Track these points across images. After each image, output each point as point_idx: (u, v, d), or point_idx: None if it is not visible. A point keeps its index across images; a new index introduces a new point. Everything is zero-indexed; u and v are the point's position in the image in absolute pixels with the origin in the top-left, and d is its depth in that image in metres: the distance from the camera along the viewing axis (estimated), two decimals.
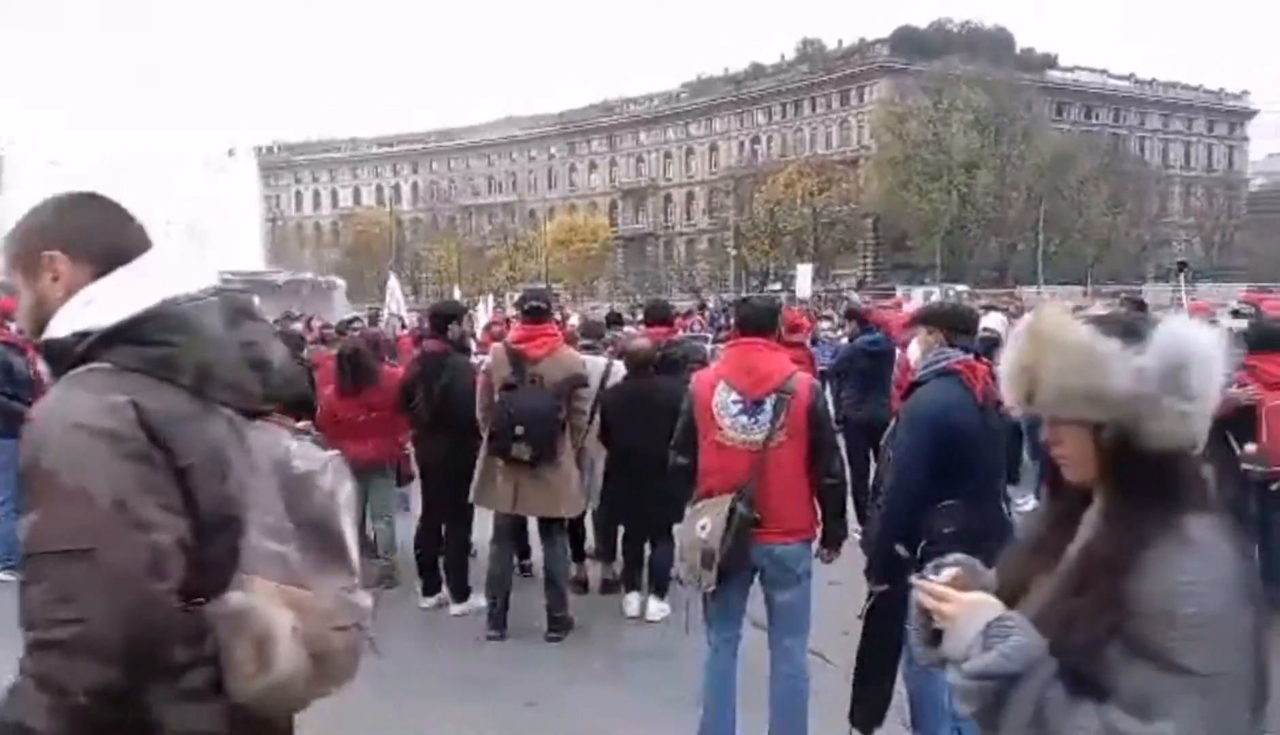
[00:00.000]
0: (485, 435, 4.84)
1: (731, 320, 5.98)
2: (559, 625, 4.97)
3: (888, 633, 3.34)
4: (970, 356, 3.47)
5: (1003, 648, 1.31)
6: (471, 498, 5.01)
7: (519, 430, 4.60)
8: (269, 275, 22.49)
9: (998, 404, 3.88)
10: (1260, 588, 1.35)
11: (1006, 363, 1.44)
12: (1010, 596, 1.44)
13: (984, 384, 3.44)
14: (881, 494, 3.45)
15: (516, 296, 13.98)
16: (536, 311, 5.06)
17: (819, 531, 3.53)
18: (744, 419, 3.34)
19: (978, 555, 3.41)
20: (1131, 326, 1.35)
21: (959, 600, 1.42)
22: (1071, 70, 69.22)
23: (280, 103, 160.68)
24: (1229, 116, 75.12)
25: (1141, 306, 8.65)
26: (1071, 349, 1.33)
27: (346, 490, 1.56)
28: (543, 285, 42.43)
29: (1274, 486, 4.86)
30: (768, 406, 3.33)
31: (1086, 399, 1.32)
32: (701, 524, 3.29)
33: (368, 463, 5.85)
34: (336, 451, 1.61)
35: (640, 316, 8.64)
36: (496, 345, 5.21)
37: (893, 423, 3.60)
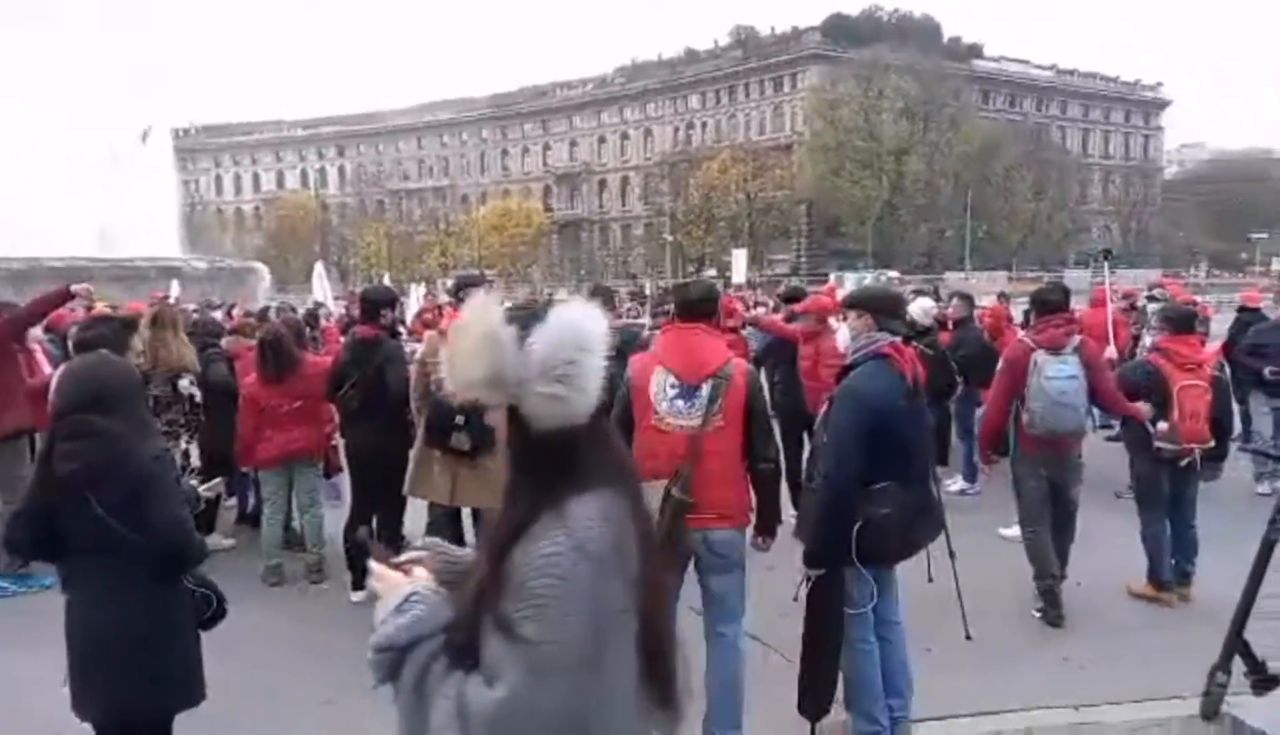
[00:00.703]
0: (421, 425, 4.72)
1: (666, 306, 5.97)
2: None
3: (828, 618, 3.39)
4: (899, 340, 3.52)
5: (399, 621, 1.38)
6: (406, 489, 4.90)
7: (459, 420, 4.51)
8: (187, 262, 21.72)
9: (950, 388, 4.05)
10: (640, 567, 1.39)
11: (443, 353, 1.50)
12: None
13: (912, 367, 3.50)
14: (816, 478, 3.46)
15: (449, 284, 13.76)
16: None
17: (754, 517, 3.53)
18: (680, 403, 3.32)
19: (911, 535, 3.52)
20: (533, 316, 1.41)
21: (386, 578, 1.48)
22: (997, 60, 71.07)
23: (197, 84, 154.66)
24: (1144, 107, 78.17)
25: (1064, 291, 8.91)
26: (476, 337, 1.40)
27: None
28: (477, 271, 41.93)
29: (1184, 463, 5.05)
30: (704, 391, 3.30)
31: (486, 384, 1.39)
32: None
33: (293, 453, 5.72)
34: None
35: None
36: (431, 333, 5.08)
37: (824, 407, 3.62)
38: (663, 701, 1.42)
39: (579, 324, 1.40)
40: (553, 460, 1.38)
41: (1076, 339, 5.00)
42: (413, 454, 4.79)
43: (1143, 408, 5.09)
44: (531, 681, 1.26)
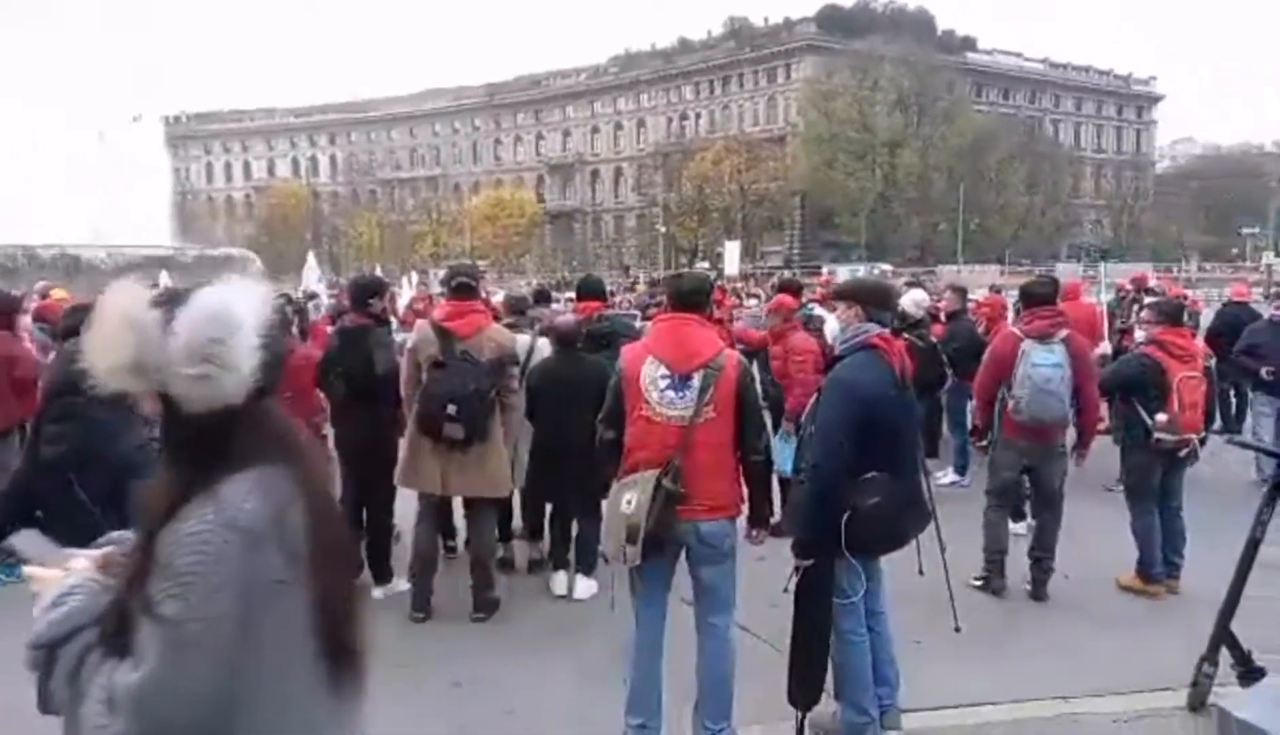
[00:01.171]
0: (412, 415, 4.71)
1: (658, 299, 5.99)
2: (486, 606, 4.90)
3: (818, 609, 3.40)
4: (888, 331, 3.54)
5: (51, 615, 1.35)
6: (397, 480, 4.88)
7: (451, 410, 4.48)
8: (177, 251, 21.60)
9: (941, 380, 4.15)
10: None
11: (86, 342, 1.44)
12: None
13: (900, 359, 3.51)
14: (805, 469, 3.46)
15: (441, 273, 13.70)
16: (464, 287, 4.92)
17: (745, 509, 3.53)
18: (671, 394, 3.31)
19: (899, 526, 3.53)
20: (175, 298, 1.38)
21: (42, 576, 1.44)
22: (990, 53, 71.07)
23: (189, 72, 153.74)
24: (1137, 101, 78.34)
25: (1053, 284, 8.97)
26: (115, 324, 1.36)
27: None
28: (469, 261, 41.80)
29: (1183, 453, 5.09)
30: (696, 382, 3.30)
31: (128, 370, 1.36)
32: (627, 499, 3.26)
33: None
34: None
35: (570, 293, 8.51)
36: (422, 322, 5.03)
37: (812, 399, 3.63)
38: (339, 679, 1.40)
39: (225, 304, 1.36)
40: (206, 441, 1.36)
41: (1064, 331, 5.09)
42: (404, 443, 4.77)
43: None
44: (174, 660, 1.24)
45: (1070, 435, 5.36)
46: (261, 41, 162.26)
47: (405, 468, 4.78)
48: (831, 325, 3.70)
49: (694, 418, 3.28)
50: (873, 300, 3.56)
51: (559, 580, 5.31)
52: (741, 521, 3.54)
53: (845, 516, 3.28)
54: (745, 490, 3.52)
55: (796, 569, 3.40)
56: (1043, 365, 4.93)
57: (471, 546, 5.11)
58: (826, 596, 3.40)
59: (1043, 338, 5.01)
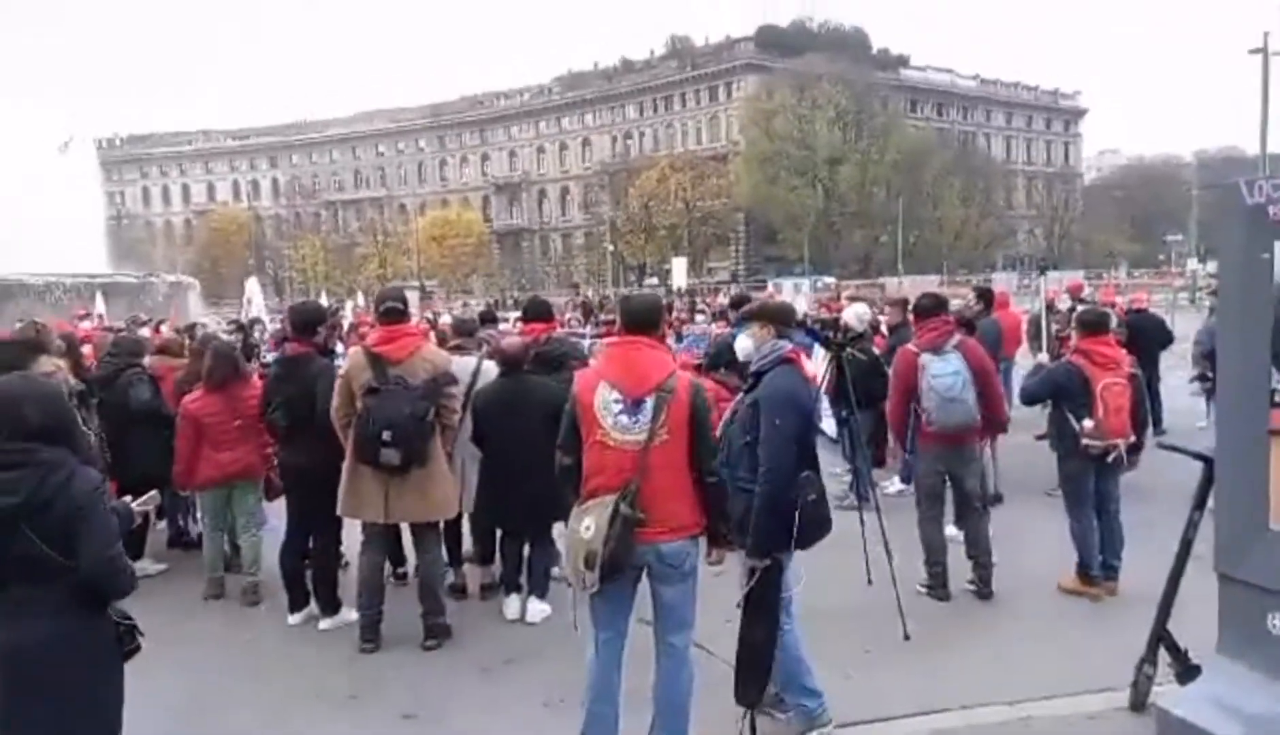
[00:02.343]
0: (349, 443, 4.63)
1: (601, 316, 6.03)
2: (436, 632, 4.82)
3: (770, 606, 3.53)
4: (794, 346, 3.81)
5: None
6: (340, 510, 4.79)
7: (386, 436, 4.42)
8: (112, 276, 21.01)
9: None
10: None
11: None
12: None
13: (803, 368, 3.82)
14: (744, 475, 3.60)
15: None
16: (392, 312, 4.85)
17: (703, 528, 3.52)
18: (625, 419, 3.29)
19: (826, 516, 3.68)
20: None
21: None
22: (923, 70, 72.95)
23: (121, 93, 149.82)
24: (1064, 115, 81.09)
25: (990, 295, 9.26)
26: None
27: None
28: (413, 284, 41.40)
29: (1110, 458, 5.24)
30: (648, 406, 3.28)
31: None
32: (586, 524, 3.24)
33: (234, 474, 5.57)
34: None
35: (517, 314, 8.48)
36: (355, 348, 4.97)
37: (729, 410, 3.86)
38: None
39: None
40: None
41: (955, 338, 5.43)
42: (344, 472, 4.69)
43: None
44: None
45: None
46: (199, 63, 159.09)
47: (345, 496, 4.69)
48: (743, 343, 3.90)
49: (649, 441, 3.27)
50: (783, 319, 3.87)
51: (512, 604, 5.25)
52: (702, 541, 3.54)
53: (798, 512, 3.45)
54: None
55: (752, 571, 3.49)
56: (942, 375, 5.22)
57: (420, 572, 5.02)
58: (779, 594, 3.56)
59: (936, 349, 5.31)
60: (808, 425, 3.63)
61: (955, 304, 8.78)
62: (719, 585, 3.85)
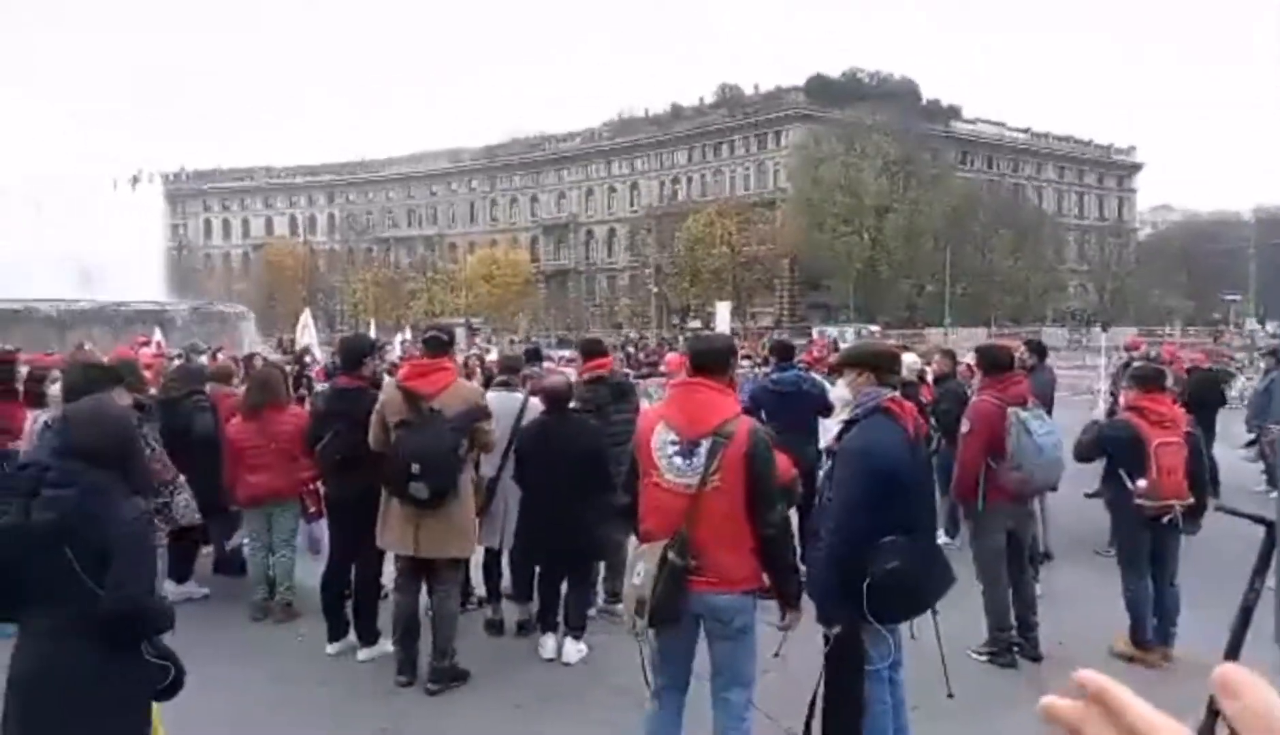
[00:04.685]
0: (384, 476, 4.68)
1: (643, 356, 6.12)
2: (439, 676, 4.71)
3: (848, 677, 3.34)
4: (898, 394, 3.57)
5: None
6: (378, 541, 4.84)
7: (415, 469, 4.44)
8: (172, 306, 21.64)
9: (927, 440, 4.16)
10: None
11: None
12: None
13: (914, 420, 3.53)
14: (823, 535, 3.43)
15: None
16: (434, 342, 4.99)
17: (762, 583, 3.36)
18: (679, 461, 3.22)
19: (921, 590, 3.46)
20: None
21: None
22: (974, 122, 72.72)
23: (190, 128, 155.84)
24: (1118, 169, 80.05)
25: (1042, 348, 9.10)
26: None
27: None
28: (459, 320, 42.01)
29: (1165, 520, 5.07)
30: (703, 449, 3.18)
31: None
32: (638, 570, 3.18)
33: (264, 496, 5.73)
34: None
35: (560, 352, 8.60)
36: (389, 382, 5.06)
37: (828, 463, 3.64)
38: None
39: None
40: None
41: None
42: (380, 504, 4.74)
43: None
44: None
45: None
46: (263, 101, 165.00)
47: (380, 528, 4.75)
48: (840, 392, 3.73)
49: (701, 486, 3.16)
50: (880, 365, 3.60)
51: (548, 643, 5.23)
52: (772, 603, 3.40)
53: (865, 582, 3.24)
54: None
55: (826, 638, 3.37)
56: (1046, 433, 4.96)
57: (432, 609, 4.90)
58: (857, 664, 3.34)
59: (1024, 405, 5.08)
60: (894, 484, 3.30)
61: None
62: (805, 648, 3.69)
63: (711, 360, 3.41)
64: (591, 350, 6.38)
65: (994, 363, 5.40)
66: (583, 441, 5.06)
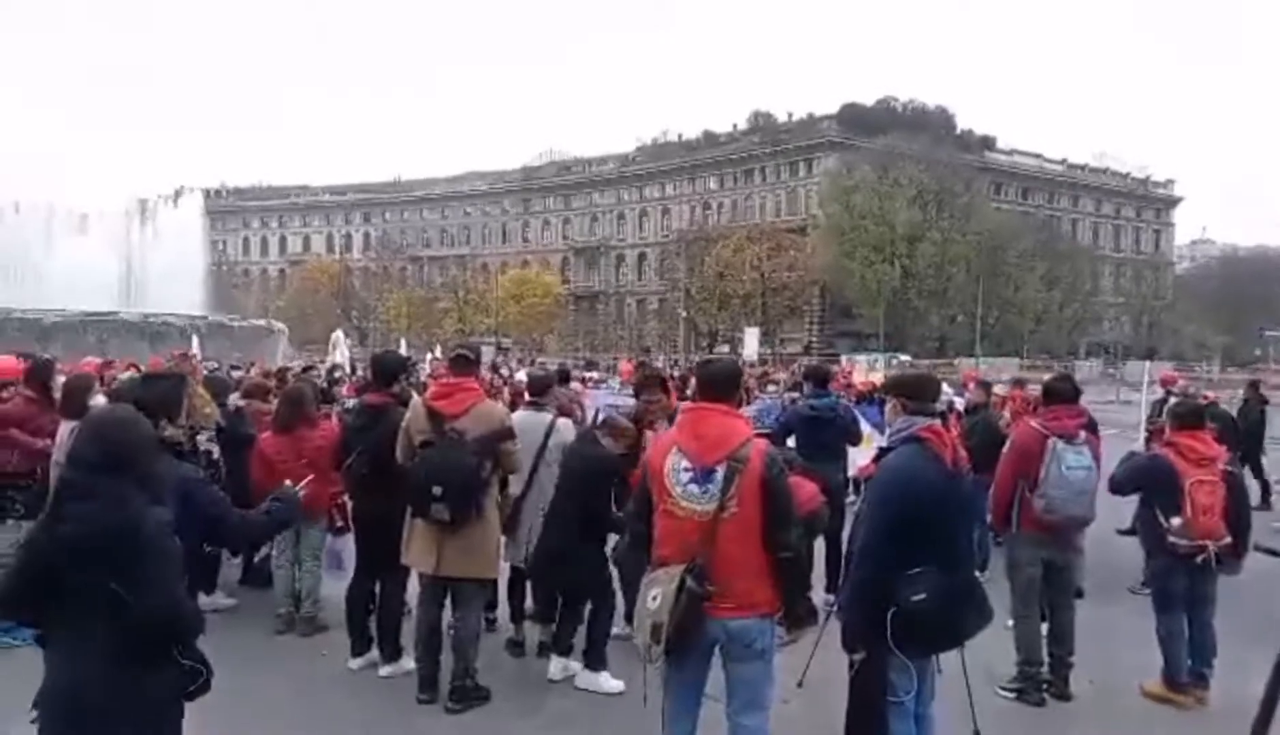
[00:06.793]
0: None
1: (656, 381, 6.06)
2: (460, 695, 4.69)
3: (869, 706, 3.32)
4: (937, 422, 3.54)
5: None
6: (402, 557, 4.86)
7: (436, 491, 4.44)
8: (207, 319, 22.04)
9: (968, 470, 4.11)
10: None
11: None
12: None
13: (952, 450, 3.49)
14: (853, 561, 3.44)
15: None
16: (461, 360, 5.03)
17: (778, 607, 3.33)
18: (694, 488, 3.18)
19: (953, 623, 3.42)
20: None
21: None
22: (1009, 153, 72.26)
23: (230, 146, 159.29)
24: (1155, 203, 79.08)
25: (1070, 381, 8.95)
26: None
27: None
28: (489, 340, 42.36)
29: (1199, 559, 4.95)
30: (719, 475, 3.15)
31: None
32: (653, 595, 3.14)
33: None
34: None
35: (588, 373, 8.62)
36: (415, 400, 5.07)
37: (864, 489, 3.65)
38: None
39: None
40: None
41: (1084, 434, 5.10)
42: (405, 521, 4.76)
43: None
44: None
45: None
46: (298, 118, 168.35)
47: (404, 545, 4.77)
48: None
49: (718, 512, 3.14)
50: (919, 393, 3.60)
51: (554, 666, 5.16)
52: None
53: (891, 612, 3.21)
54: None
55: (851, 664, 3.34)
56: (1077, 467, 4.87)
57: (453, 629, 4.88)
58: (878, 693, 3.31)
59: (1069, 437, 4.96)
60: (923, 514, 3.28)
61: (1033, 388, 8.60)
62: (779, 660, 3.75)
63: (721, 383, 3.40)
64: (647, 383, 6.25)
65: (1054, 393, 5.36)
66: (599, 466, 5.11)
